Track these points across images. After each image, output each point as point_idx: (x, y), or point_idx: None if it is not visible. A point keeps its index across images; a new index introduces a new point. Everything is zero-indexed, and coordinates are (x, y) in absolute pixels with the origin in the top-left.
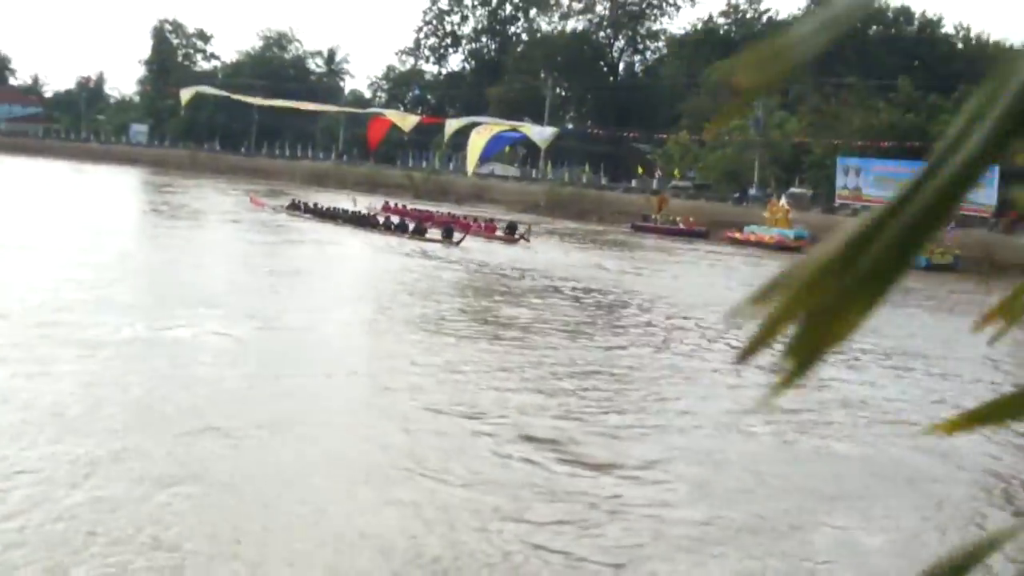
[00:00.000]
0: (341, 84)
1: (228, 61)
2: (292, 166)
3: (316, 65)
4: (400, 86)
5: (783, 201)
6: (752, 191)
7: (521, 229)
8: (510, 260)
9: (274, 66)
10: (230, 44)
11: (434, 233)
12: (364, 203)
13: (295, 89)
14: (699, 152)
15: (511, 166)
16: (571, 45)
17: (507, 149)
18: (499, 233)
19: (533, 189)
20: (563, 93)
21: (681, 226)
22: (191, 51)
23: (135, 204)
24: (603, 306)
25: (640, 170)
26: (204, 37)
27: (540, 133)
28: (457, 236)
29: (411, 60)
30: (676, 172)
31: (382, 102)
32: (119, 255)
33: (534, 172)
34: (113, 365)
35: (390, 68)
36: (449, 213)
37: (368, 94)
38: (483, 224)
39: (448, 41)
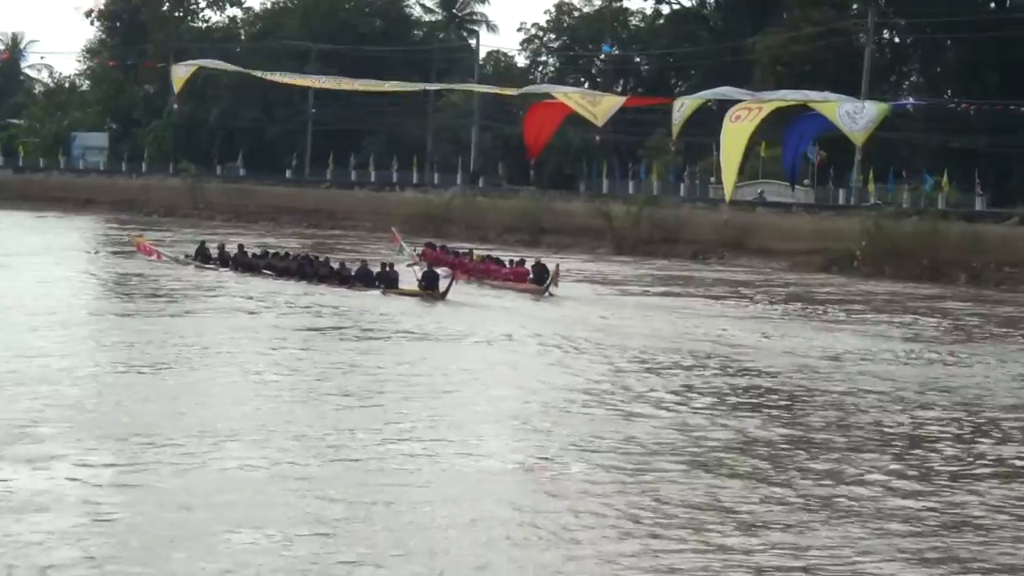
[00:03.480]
0: (471, 42)
1: (256, 8)
2: (382, 200)
3: (424, 7)
4: (581, 42)
5: None
6: None
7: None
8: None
9: (344, 16)
10: None
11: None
12: (410, 248)
13: (386, 57)
14: None
15: (798, 185)
16: None
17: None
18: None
19: (841, 226)
20: (895, 39)
21: None
22: None
23: (75, 282)
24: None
25: None
26: None
27: (853, 116)
28: (443, 284)
29: None
30: None
31: (550, 74)
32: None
33: (841, 193)
34: None
35: (562, 7)
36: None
37: (521, 60)
38: (510, 268)
39: None
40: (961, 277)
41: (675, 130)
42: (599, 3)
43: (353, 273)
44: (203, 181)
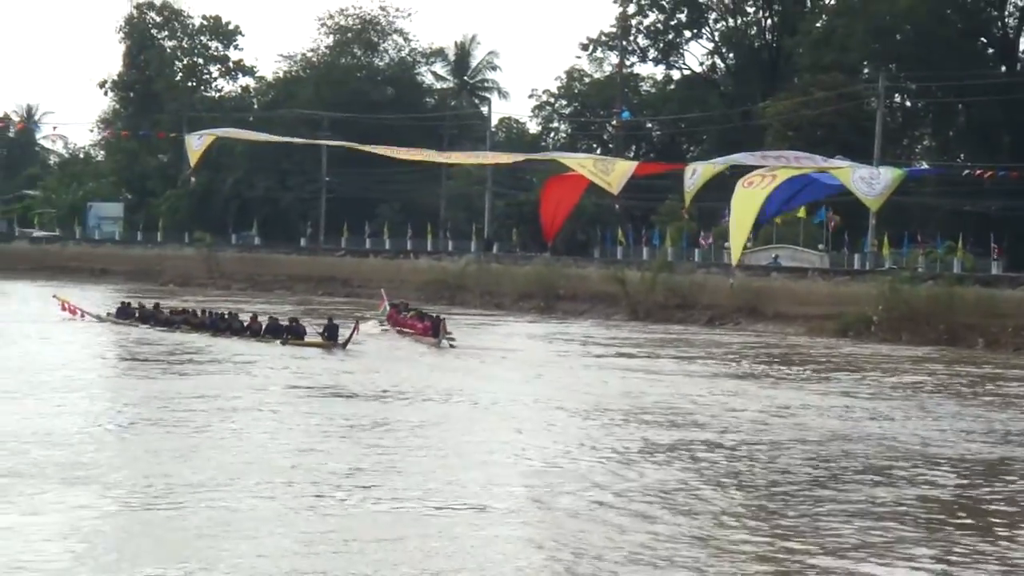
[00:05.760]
0: (483, 109)
1: (269, 76)
2: (396, 267)
3: (436, 75)
4: (592, 108)
5: None
6: None
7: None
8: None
9: (356, 84)
10: (270, 45)
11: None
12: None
13: (398, 125)
14: None
15: (812, 250)
16: (918, 10)
17: (800, 213)
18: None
19: (856, 290)
20: (907, 103)
21: None
22: (199, 60)
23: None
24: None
25: None
26: (225, 34)
27: (868, 182)
28: (343, 335)
29: (611, 58)
30: None
31: (561, 140)
32: None
33: (856, 258)
34: None
35: (573, 73)
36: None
37: (533, 126)
38: (416, 320)
39: (682, 17)
40: (979, 341)
41: (688, 198)
42: (610, 69)
43: (264, 327)
44: (218, 250)
